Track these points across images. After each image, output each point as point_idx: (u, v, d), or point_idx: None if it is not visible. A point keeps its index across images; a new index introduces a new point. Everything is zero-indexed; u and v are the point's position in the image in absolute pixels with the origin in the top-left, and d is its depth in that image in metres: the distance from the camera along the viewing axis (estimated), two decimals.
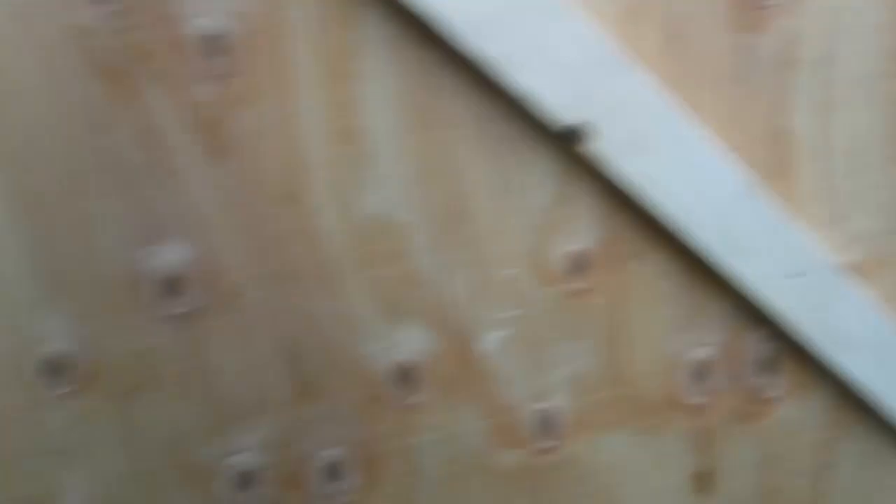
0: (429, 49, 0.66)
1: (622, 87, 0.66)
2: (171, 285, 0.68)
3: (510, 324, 0.77)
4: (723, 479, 0.90)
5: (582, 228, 0.75)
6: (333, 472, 0.77)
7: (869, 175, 0.81)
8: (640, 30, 0.69)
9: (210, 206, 0.67)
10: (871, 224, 0.83)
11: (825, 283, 0.79)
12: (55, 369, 0.69)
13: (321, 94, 0.66)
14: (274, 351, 0.74)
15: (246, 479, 0.75)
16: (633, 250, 0.76)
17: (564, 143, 0.68)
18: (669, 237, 0.75)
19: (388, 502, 0.79)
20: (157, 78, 0.63)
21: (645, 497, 0.88)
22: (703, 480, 0.89)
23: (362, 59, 0.66)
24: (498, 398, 0.79)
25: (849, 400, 0.87)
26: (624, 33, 0.69)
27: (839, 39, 0.74)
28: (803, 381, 0.88)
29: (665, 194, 0.70)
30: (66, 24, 0.60)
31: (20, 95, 0.61)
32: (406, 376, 0.77)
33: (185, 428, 0.73)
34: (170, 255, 0.68)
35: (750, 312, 0.80)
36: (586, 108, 0.67)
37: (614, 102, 0.67)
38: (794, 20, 0.72)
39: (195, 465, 0.74)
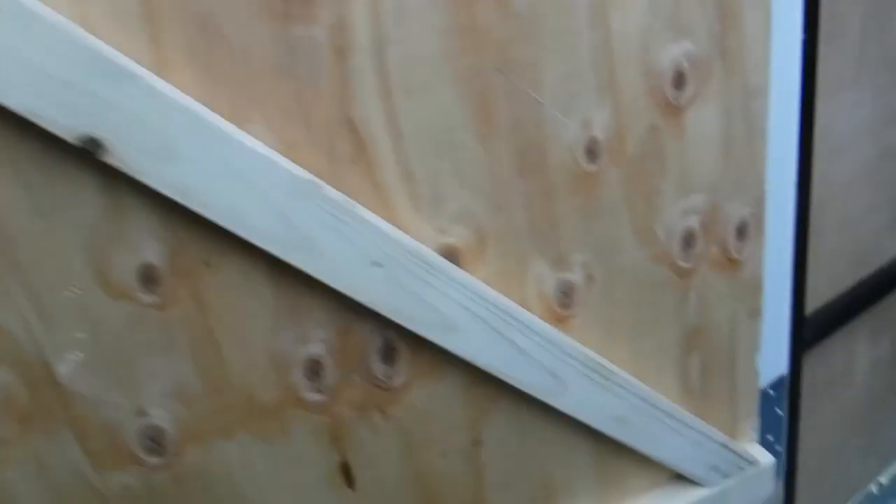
0: None
1: (135, 94, 0.68)
2: None
3: (86, 345, 0.77)
4: (364, 470, 0.94)
5: (143, 241, 0.75)
6: None
7: (459, 156, 0.85)
8: (165, 30, 0.69)
9: None
10: (471, 204, 0.87)
11: (415, 269, 0.82)
12: None
13: None
14: None
15: None
16: (203, 258, 0.78)
17: (86, 157, 0.67)
18: (237, 241, 0.76)
19: None
20: None
21: (284, 498, 0.91)
22: (343, 474, 0.92)
23: None
24: (91, 421, 0.79)
25: (483, 377, 0.92)
26: (147, 35, 0.69)
27: (391, 23, 0.77)
28: (427, 366, 0.92)
29: (210, 199, 0.73)
30: None
31: None
32: None
33: None
34: None
35: (352, 305, 0.83)
36: (95, 119, 0.67)
37: (129, 111, 0.68)
38: (340, 8, 0.74)
39: None
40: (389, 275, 0.82)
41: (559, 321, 0.99)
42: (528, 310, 0.96)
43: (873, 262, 1.51)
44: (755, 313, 1.14)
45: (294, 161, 0.77)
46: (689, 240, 1.04)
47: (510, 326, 0.91)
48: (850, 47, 1.25)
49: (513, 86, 0.85)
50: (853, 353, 1.56)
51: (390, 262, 0.82)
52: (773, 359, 1.27)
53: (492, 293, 0.89)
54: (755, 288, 1.12)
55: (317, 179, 0.77)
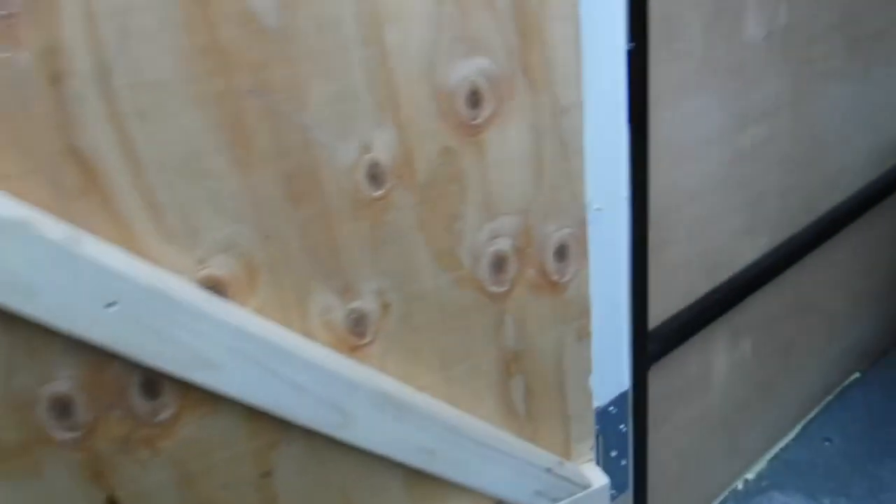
0: None
1: None
2: None
3: None
4: None
5: None
6: None
7: (214, 183, 0.77)
8: None
9: None
10: (234, 234, 0.79)
11: (158, 306, 0.74)
12: None
13: None
14: None
15: None
16: None
17: None
18: None
19: None
20: None
21: None
22: None
23: None
24: None
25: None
26: None
27: (114, 47, 0.68)
28: (197, 399, 0.85)
29: None
30: None
31: None
32: None
33: None
34: None
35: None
36: None
37: None
38: (48, 32, 0.65)
39: None
40: (126, 314, 0.74)
41: (353, 350, 0.91)
42: (316, 340, 0.88)
43: (729, 267, 1.45)
44: (583, 335, 1.07)
45: (13, 195, 0.68)
46: (499, 264, 0.96)
47: (280, 361, 0.84)
48: (693, 53, 1.17)
49: (271, 108, 0.76)
50: (710, 357, 1.51)
51: (126, 300, 0.74)
52: (613, 376, 1.21)
53: (259, 327, 0.82)
54: (582, 310, 1.06)
55: (30, 217, 0.69)
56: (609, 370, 1.22)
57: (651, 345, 1.27)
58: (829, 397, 2.06)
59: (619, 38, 1.02)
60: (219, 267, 0.83)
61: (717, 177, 1.34)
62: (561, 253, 1.02)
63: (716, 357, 1.53)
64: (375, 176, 0.86)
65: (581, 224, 1.02)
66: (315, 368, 0.89)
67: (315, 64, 0.79)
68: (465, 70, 0.87)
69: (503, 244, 0.98)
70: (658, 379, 1.36)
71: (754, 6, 1.26)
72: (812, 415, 2.01)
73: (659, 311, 1.31)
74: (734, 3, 1.23)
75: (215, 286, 0.83)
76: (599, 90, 1.02)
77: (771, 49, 1.33)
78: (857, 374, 2.14)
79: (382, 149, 0.85)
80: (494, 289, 1.00)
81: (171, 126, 0.76)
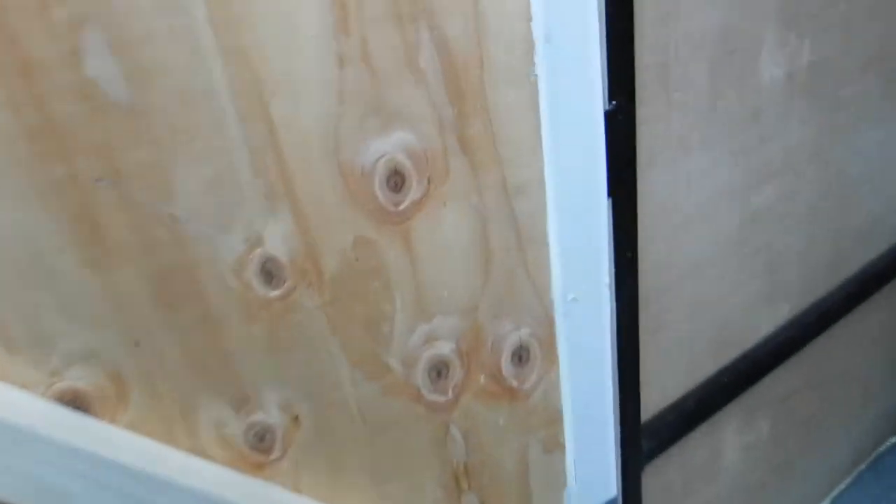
0: None
1: None
2: None
3: None
4: None
5: None
6: None
7: (63, 286, 0.62)
8: None
9: None
10: (93, 342, 0.64)
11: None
12: None
13: None
14: None
15: None
16: None
17: None
18: None
19: None
20: None
21: None
22: None
23: None
24: None
25: None
26: None
27: None
28: None
29: None
30: None
31: None
32: None
33: None
34: None
35: None
36: None
37: None
38: None
39: None
40: None
41: (258, 468, 0.75)
42: (210, 458, 0.72)
43: (741, 344, 1.23)
44: (553, 446, 0.89)
45: None
46: (439, 369, 0.78)
47: (151, 489, 0.70)
48: (697, 103, 0.96)
49: (128, 198, 0.59)
50: (720, 443, 1.29)
51: None
52: (599, 483, 1.03)
53: (124, 450, 0.67)
54: (550, 418, 0.87)
55: None
56: (593, 477, 1.03)
57: (646, 441, 1.07)
58: (861, 467, 1.82)
59: (596, 98, 0.82)
60: (78, 379, 0.68)
61: (727, 242, 1.13)
62: (520, 355, 0.84)
63: (726, 442, 1.32)
64: (271, 272, 0.69)
65: (545, 322, 0.83)
66: (198, 496, 0.72)
67: (181, 145, 0.62)
68: (383, 147, 0.69)
69: (443, 348, 0.80)
70: (656, 475, 1.16)
71: (772, 44, 1.04)
72: (841, 487, 1.78)
73: (656, 401, 1.11)
74: (748, 42, 1.01)
75: (75, 400, 0.68)
76: (569, 161, 0.82)
77: (792, 92, 1.11)
78: (892, 440, 1.89)
79: (277, 241, 0.68)
80: (435, 397, 0.82)
81: (2, 221, 0.59)
